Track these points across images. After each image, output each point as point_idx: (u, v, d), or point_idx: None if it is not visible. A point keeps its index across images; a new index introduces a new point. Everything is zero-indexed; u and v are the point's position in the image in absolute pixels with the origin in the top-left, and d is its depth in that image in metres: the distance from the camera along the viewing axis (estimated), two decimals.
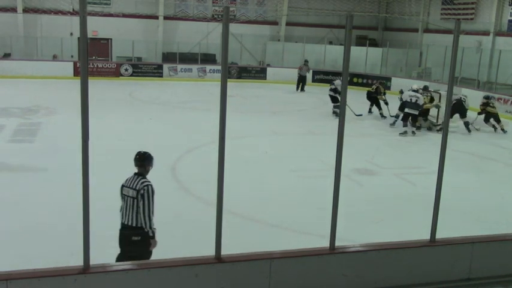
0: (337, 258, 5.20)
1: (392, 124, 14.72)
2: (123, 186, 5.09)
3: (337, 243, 5.17)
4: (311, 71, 23.37)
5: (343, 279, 5.18)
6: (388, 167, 10.45)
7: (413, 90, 14.25)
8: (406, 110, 13.93)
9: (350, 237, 5.91)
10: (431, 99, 14.52)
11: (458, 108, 14.24)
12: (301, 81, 22.15)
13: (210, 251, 4.81)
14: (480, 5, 22.82)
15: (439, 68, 22.17)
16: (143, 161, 5.04)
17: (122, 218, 5.05)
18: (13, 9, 22.78)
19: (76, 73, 21.70)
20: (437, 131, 13.98)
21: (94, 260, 4.46)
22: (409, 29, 26.74)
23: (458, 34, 5.04)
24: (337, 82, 15.83)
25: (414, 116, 13.93)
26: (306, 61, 22.77)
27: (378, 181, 9.58)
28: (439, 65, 22.17)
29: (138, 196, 4.89)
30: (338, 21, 27.51)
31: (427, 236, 5.51)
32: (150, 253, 5.19)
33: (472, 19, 22.87)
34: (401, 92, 14.86)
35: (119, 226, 6.87)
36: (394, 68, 24.64)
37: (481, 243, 5.68)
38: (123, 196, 5.05)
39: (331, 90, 16.04)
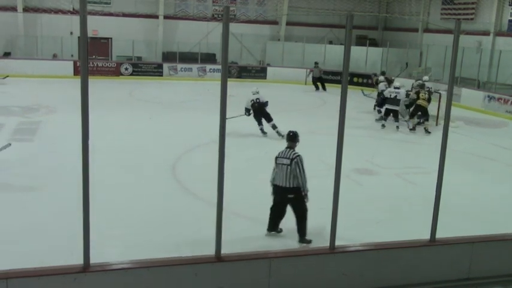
0: (337, 258, 5.21)
1: (379, 120, 15.17)
2: (277, 157, 6.46)
3: (337, 243, 5.17)
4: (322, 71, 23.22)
5: (343, 278, 5.19)
6: (388, 167, 10.44)
7: (396, 87, 14.47)
8: (386, 106, 14.37)
9: (350, 237, 5.92)
10: (429, 98, 14.47)
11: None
12: (319, 82, 22.35)
13: (210, 251, 4.82)
14: (480, 5, 22.80)
15: (439, 68, 22.17)
16: (293, 138, 6.51)
17: (276, 181, 6.47)
18: (13, 9, 22.76)
19: (76, 72, 21.71)
20: (410, 129, 14.20)
21: (94, 259, 4.47)
22: (409, 28, 26.73)
23: (459, 34, 5.05)
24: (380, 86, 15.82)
25: (395, 112, 14.26)
26: (316, 63, 22.95)
27: (378, 181, 9.57)
28: (439, 65, 22.17)
29: (292, 163, 6.24)
30: (338, 21, 27.49)
31: (427, 236, 5.51)
32: (304, 206, 6.43)
33: (472, 19, 22.86)
34: (375, 75, 15.24)
35: (119, 226, 6.90)
36: (394, 67, 24.62)
37: (481, 243, 5.69)
38: (278, 164, 6.38)
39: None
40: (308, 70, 23.14)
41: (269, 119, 12.61)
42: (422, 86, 14.84)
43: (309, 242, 6.45)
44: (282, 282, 4.98)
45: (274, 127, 12.55)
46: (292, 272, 5.05)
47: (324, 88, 22.27)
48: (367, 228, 7.11)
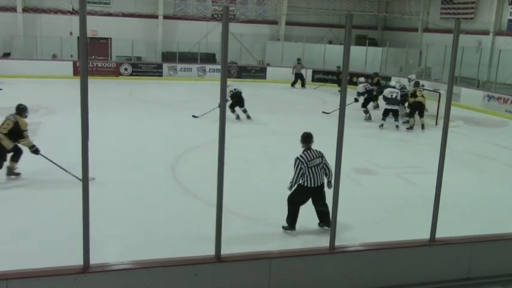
0: (336, 258, 5.21)
1: (367, 119, 15.39)
2: (307, 161, 6.56)
3: (337, 243, 5.17)
4: (305, 69, 23.56)
5: (343, 278, 5.18)
6: (388, 166, 10.44)
7: (392, 87, 14.68)
8: (386, 106, 14.42)
9: (350, 236, 5.92)
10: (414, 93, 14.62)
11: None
12: (299, 79, 22.74)
13: (210, 251, 4.82)
14: (480, 4, 22.80)
15: (439, 68, 22.17)
16: (310, 139, 6.81)
17: (311, 184, 6.55)
18: (13, 9, 22.76)
19: (76, 72, 21.70)
20: (406, 128, 14.30)
21: (94, 260, 4.47)
22: (408, 28, 26.73)
23: (458, 34, 5.05)
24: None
25: (395, 111, 14.34)
26: (299, 59, 23.34)
27: (378, 181, 9.57)
28: (438, 65, 22.17)
29: (323, 160, 6.63)
30: (338, 21, 27.50)
31: (427, 235, 5.51)
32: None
33: (471, 18, 22.86)
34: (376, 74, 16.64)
35: (119, 226, 6.90)
36: (394, 67, 24.65)
37: (481, 243, 5.69)
38: (311, 168, 6.53)
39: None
40: (292, 68, 23.27)
41: (243, 104, 14.32)
42: (417, 84, 15.00)
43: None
44: (282, 283, 4.98)
45: (245, 111, 14.41)
46: (292, 272, 5.05)
47: (303, 85, 22.77)
48: (367, 228, 7.11)
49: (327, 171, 6.66)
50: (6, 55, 22.77)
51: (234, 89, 14.18)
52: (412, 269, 5.47)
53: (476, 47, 21.98)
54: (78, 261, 4.43)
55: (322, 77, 24.34)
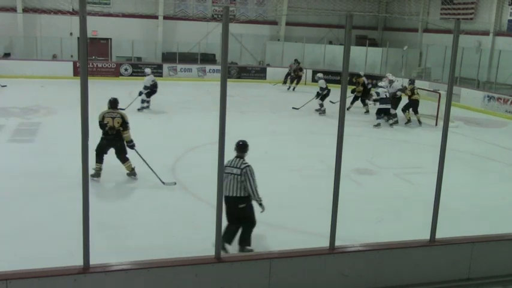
0: (337, 258, 5.21)
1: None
2: (226, 166, 5.92)
3: (337, 243, 5.17)
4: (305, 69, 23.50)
5: (343, 279, 5.19)
6: (388, 167, 10.44)
7: (381, 87, 15.05)
8: (380, 105, 14.63)
9: (350, 237, 5.91)
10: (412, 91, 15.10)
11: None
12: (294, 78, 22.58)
13: (210, 252, 4.82)
14: (480, 5, 22.80)
15: (439, 68, 22.18)
16: (243, 148, 6.22)
17: (226, 192, 5.96)
18: (13, 9, 22.74)
19: (76, 73, 21.68)
20: (390, 125, 14.76)
21: (94, 260, 4.47)
22: (408, 28, 26.73)
23: (458, 34, 5.05)
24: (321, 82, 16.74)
25: (388, 110, 14.63)
26: (296, 60, 23.08)
27: (378, 181, 9.57)
28: (438, 65, 22.17)
29: (241, 173, 5.99)
30: (338, 21, 27.49)
31: (426, 236, 5.51)
32: (254, 216, 6.17)
33: (471, 19, 22.86)
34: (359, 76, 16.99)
35: (119, 226, 6.91)
36: (394, 67, 24.65)
37: (481, 243, 5.69)
38: (227, 174, 5.98)
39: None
40: (289, 66, 23.17)
41: (153, 94, 15.42)
42: (413, 82, 15.51)
43: (252, 250, 6.08)
44: (282, 283, 4.98)
45: (149, 102, 15.54)
46: (292, 273, 5.05)
47: (296, 84, 22.48)
48: (367, 228, 7.11)
49: (249, 190, 6.02)
50: (6, 55, 22.77)
51: (152, 81, 15.31)
52: (412, 269, 5.47)
53: (476, 47, 21.98)
54: (78, 261, 4.43)
55: (322, 77, 24.29)
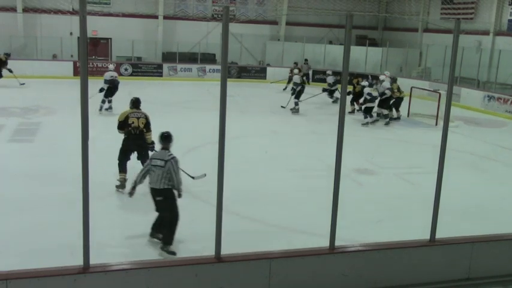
0: (336, 258, 5.21)
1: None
2: (151, 158, 6.28)
3: (337, 243, 5.17)
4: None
5: (343, 279, 5.18)
6: (388, 167, 10.44)
7: (364, 86, 15.54)
8: (369, 104, 14.83)
9: (350, 237, 5.91)
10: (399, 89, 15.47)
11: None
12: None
13: (210, 251, 4.81)
14: (480, 4, 22.80)
15: (439, 68, 22.17)
16: (167, 140, 6.25)
17: (150, 183, 6.12)
18: (13, 9, 22.74)
19: (76, 73, 21.69)
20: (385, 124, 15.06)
21: (94, 260, 4.47)
22: (409, 28, 26.72)
23: (458, 34, 5.05)
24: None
25: (372, 109, 14.92)
26: (306, 60, 23.39)
27: (378, 181, 9.57)
28: (439, 65, 22.16)
29: (165, 165, 5.99)
30: (338, 21, 27.49)
31: (427, 236, 5.51)
32: (175, 210, 6.14)
33: (471, 19, 22.85)
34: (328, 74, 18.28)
35: (119, 226, 6.91)
36: (396, 68, 24.64)
37: (481, 243, 5.69)
38: (152, 166, 6.09)
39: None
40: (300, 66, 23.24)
41: (113, 94, 14.79)
42: (395, 80, 15.84)
43: (173, 254, 5.98)
44: (282, 283, 4.98)
45: (110, 101, 14.79)
46: (292, 273, 5.05)
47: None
48: (367, 228, 7.11)
49: (173, 182, 6.05)
50: (6, 55, 22.73)
51: (115, 76, 14.89)
52: (412, 269, 5.47)
53: (476, 47, 21.98)
54: (78, 261, 4.43)
55: (322, 77, 24.28)
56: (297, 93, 16.31)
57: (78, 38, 6.55)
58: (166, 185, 6.01)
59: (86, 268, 4.41)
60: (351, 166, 9.37)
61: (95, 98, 14.03)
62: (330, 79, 18.49)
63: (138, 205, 7.74)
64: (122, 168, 8.22)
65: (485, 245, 5.71)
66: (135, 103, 8.44)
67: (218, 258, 4.77)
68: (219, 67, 23.32)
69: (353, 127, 14.19)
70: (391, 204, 8.24)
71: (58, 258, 4.99)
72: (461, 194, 8.60)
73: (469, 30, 21.76)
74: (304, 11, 26.92)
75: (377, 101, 15.04)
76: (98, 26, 23.19)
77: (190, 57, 24.77)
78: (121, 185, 8.12)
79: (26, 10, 22.87)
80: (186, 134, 12.67)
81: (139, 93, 16.56)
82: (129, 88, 20.01)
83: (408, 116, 16.11)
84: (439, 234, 5.48)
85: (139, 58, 24.51)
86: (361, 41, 26.27)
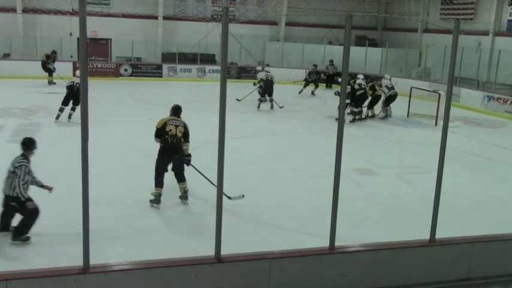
0: (336, 258, 5.21)
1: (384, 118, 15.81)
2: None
3: (337, 243, 5.17)
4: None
5: (343, 279, 5.19)
6: (388, 167, 10.44)
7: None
8: (348, 100, 14.97)
9: (350, 237, 5.91)
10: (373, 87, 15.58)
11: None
12: (331, 80, 22.95)
13: (210, 251, 4.81)
14: (479, 5, 22.81)
15: (439, 68, 22.17)
16: (27, 146, 6.37)
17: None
18: (12, 10, 22.74)
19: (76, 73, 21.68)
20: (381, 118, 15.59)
21: (94, 260, 4.47)
22: (408, 29, 26.73)
23: (458, 34, 5.05)
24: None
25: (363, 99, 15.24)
26: (331, 60, 23.48)
27: (378, 181, 9.57)
28: (438, 65, 22.17)
29: (14, 171, 6.01)
30: (337, 22, 27.50)
31: (426, 236, 5.51)
32: (32, 211, 6.14)
33: (471, 19, 22.86)
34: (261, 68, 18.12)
35: (118, 227, 6.91)
36: (395, 68, 24.65)
37: (481, 243, 5.69)
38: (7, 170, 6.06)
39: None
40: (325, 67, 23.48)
41: (78, 102, 13.42)
42: (372, 80, 16.27)
43: (26, 239, 6.09)
44: (282, 283, 4.98)
45: (75, 109, 13.34)
46: (292, 273, 5.05)
47: (330, 86, 22.81)
48: (367, 228, 7.12)
49: (16, 189, 6.11)
50: (6, 56, 22.77)
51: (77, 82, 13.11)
52: (412, 269, 5.47)
53: (475, 47, 21.99)
54: (78, 261, 4.43)
55: (322, 77, 24.31)
56: (356, 101, 15.26)
57: (78, 38, 6.52)
58: (12, 192, 6.06)
59: (85, 269, 4.41)
60: (350, 166, 9.38)
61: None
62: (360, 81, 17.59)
63: (138, 206, 7.74)
64: (158, 182, 7.66)
65: (485, 245, 5.71)
66: (175, 110, 8.06)
67: (218, 258, 4.77)
68: (218, 67, 23.32)
69: (353, 127, 14.20)
70: (391, 204, 8.24)
71: (58, 259, 4.99)
72: (461, 194, 8.60)
73: (469, 31, 21.77)
74: (303, 11, 26.93)
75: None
76: (97, 27, 23.18)
77: (190, 58, 24.78)
78: (155, 200, 7.61)
79: (25, 10, 22.88)
80: None
81: (139, 94, 16.49)
82: (129, 89, 20.12)
83: (408, 116, 16.11)
84: (439, 234, 5.48)
85: (139, 59, 24.51)
86: (361, 41, 26.27)
